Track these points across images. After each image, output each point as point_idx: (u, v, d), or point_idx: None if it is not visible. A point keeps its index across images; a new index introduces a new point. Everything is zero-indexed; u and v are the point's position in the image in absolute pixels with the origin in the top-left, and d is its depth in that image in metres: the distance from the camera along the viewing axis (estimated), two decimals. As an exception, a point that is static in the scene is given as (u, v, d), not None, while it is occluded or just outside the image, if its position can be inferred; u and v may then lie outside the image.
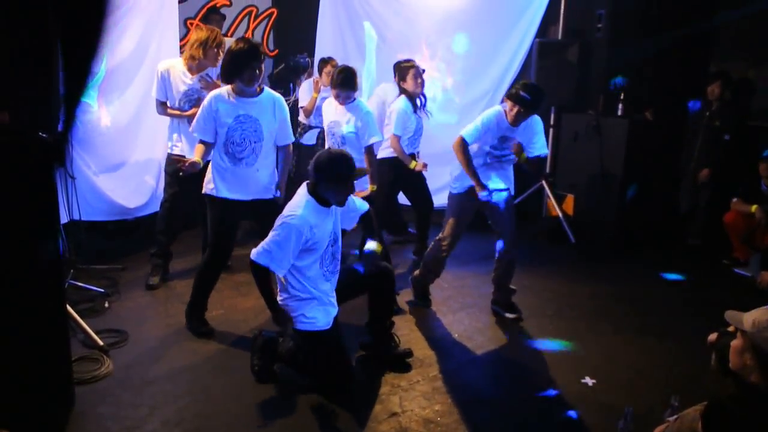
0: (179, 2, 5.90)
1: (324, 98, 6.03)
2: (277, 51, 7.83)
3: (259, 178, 3.80)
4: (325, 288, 3.34)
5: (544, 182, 6.54)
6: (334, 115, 4.66)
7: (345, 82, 4.48)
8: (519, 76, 6.44)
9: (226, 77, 3.71)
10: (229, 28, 7.52)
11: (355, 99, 4.62)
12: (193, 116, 4.53)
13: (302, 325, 3.29)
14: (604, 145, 6.02)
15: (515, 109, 4.01)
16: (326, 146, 4.70)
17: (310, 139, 6.34)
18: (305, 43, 7.16)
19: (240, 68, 3.60)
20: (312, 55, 7.11)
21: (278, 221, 3.20)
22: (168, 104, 4.55)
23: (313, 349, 3.31)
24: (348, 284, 3.53)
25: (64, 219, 4.41)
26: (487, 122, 4.07)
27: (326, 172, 3.20)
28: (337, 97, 4.59)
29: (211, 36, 4.46)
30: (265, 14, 7.84)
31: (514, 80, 6.43)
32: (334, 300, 3.41)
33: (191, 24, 7.09)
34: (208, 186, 3.81)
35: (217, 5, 7.35)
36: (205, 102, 3.77)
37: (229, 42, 4.09)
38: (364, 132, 4.54)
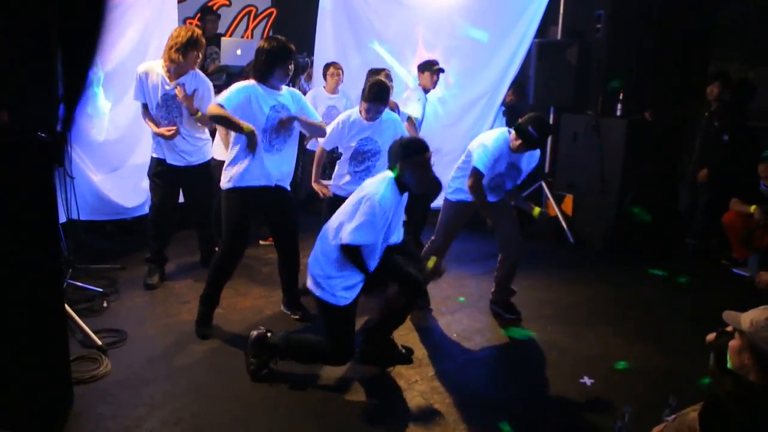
0: (178, 2, 5.91)
1: (330, 106, 6.06)
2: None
3: (285, 163, 3.93)
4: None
5: (543, 182, 6.54)
6: (365, 132, 4.30)
7: (378, 96, 4.20)
8: (518, 77, 6.44)
9: (262, 74, 3.76)
10: (228, 28, 7.54)
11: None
12: (161, 135, 4.45)
13: (334, 299, 3.30)
14: (603, 146, 6.02)
15: (518, 142, 4.00)
16: (350, 163, 4.42)
17: (315, 144, 6.34)
18: (305, 42, 7.16)
19: (275, 65, 3.73)
20: (311, 54, 7.12)
21: (361, 201, 3.23)
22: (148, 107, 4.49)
23: (333, 322, 3.37)
24: (385, 271, 3.49)
25: (62, 218, 4.41)
26: (498, 148, 4.04)
27: (410, 157, 3.28)
28: (367, 111, 4.24)
29: (192, 37, 4.31)
30: (264, 14, 7.85)
31: (513, 81, 6.43)
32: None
33: (190, 23, 7.10)
34: (230, 180, 3.83)
35: (215, 5, 7.36)
36: (238, 89, 3.73)
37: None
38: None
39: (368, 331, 3.72)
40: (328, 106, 6.14)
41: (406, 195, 3.41)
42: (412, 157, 3.28)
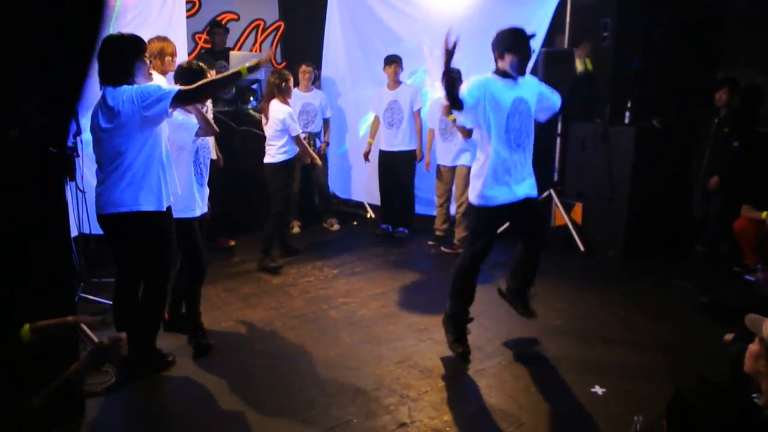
0: (187, 17, 5.98)
1: (306, 103, 6.53)
2: (284, 63, 7.89)
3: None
4: (506, 157, 3.64)
5: (552, 191, 6.53)
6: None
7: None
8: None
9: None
10: (237, 42, 7.60)
11: None
12: None
13: (478, 200, 3.71)
14: (611, 154, 6.01)
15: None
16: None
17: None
18: (312, 55, 7.22)
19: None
20: (319, 67, 7.17)
21: None
22: None
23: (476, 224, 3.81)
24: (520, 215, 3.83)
25: (74, 232, 4.45)
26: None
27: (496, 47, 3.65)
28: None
29: (164, 47, 4.58)
30: (272, 27, 7.91)
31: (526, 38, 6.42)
32: (517, 180, 3.71)
33: (199, 38, 7.17)
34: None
35: (224, 20, 7.43)
36: None
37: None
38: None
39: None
40: (303, 103, 6.50)
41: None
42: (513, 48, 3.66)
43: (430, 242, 6.29)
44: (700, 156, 6.00)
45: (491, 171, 3.66)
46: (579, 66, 6.40)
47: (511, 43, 3.62)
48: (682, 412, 1.99)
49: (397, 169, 6.50)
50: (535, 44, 6.17)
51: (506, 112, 3.64)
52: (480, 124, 3.68)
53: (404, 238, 6.56)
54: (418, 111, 6.41)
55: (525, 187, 3.78)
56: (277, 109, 5.33)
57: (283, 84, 5.36)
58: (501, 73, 3.70)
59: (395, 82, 6.42)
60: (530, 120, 3.76)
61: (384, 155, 6.56)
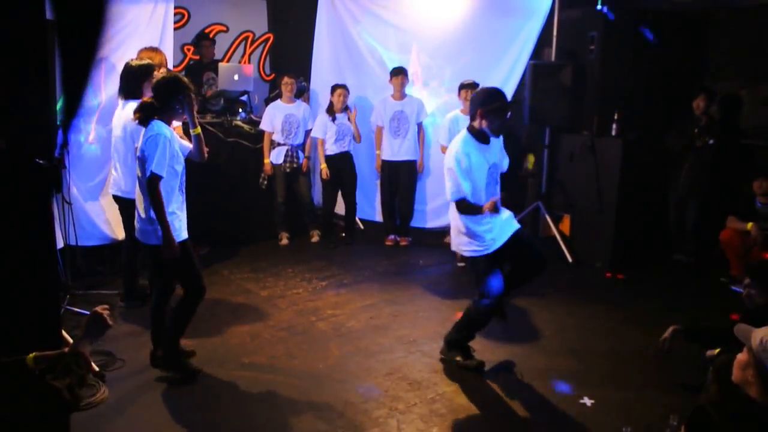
0: (175, 29, 5.98)
1: (288, 114, 6.50)
2: (273, 75, 7.89)
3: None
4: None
5: (540, 202, 6.56)
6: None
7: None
8: (513, 99, 6.48)
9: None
10: (225, 54, 7.60)
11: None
12: None
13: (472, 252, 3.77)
14: (599, 165, 6.05)
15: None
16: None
17: (278, 158, 6.43)
18: (301, 67, 7.23)
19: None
20: (308, 79, 7.19)
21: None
22: None
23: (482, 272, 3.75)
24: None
25: (60, 244, 4.41)
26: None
27: (482, 105, 3.66)
28: None
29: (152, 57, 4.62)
30: (261, 39, 7.92)
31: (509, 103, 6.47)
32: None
33: (188, 49, 7.16)
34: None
35: (212, 32, 7.43)
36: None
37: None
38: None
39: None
40: (285, 114, 6.49)
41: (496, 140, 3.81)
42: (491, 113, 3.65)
43: (421, 261, 6.25)
44: (679, 165, 6.04)
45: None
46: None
47: (493, 107, 3.66)
48: (702, 426, 2.01)
49: (399, 178, 6.56)
50: (524, 56, 6.25)
51: (484, 182, 3.75)
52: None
53: (404, 247, 6.62)
54: (421, 123, 6.51)
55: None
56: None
57: (331, 99, 6.44)
58: (476, 133, 3.74)
59: (401, 93, 6.48)
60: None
61: (387, 165, 6.60)
